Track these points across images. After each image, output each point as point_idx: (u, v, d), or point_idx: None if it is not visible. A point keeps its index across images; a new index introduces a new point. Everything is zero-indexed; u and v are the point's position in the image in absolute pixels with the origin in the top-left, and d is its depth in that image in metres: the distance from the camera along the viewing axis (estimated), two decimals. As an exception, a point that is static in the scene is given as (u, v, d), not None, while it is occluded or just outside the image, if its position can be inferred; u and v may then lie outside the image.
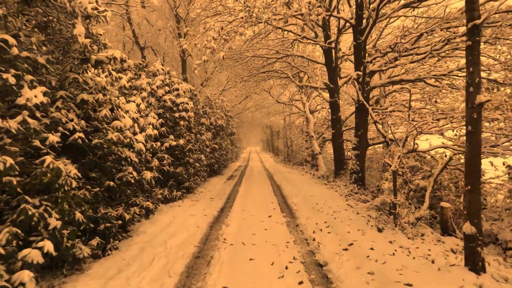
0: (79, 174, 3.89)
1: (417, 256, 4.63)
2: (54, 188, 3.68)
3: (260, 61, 14.45)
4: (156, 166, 7.18)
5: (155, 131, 7.20)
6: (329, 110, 18.05)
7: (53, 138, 3.62)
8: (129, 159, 5.72)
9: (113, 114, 5.58)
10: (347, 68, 17.36)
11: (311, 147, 18.23)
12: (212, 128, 15.69)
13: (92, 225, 4.44)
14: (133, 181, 5.49)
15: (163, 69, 10.18)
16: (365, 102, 8.58)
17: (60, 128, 4.16)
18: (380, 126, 8.51)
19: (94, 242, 4.34)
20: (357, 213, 7.33)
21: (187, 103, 9.14)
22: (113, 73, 5.52)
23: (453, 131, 7.52)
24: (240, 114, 29.92)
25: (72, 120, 4.40)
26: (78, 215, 3.89)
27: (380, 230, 6.01)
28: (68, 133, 4.24)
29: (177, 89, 9.11)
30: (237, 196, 9.84)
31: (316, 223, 6.50)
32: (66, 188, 3.70)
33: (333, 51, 12.16)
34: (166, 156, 8.29)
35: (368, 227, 6.24)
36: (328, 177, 13.53)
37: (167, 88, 9.02)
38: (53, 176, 3.54)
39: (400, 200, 6.06)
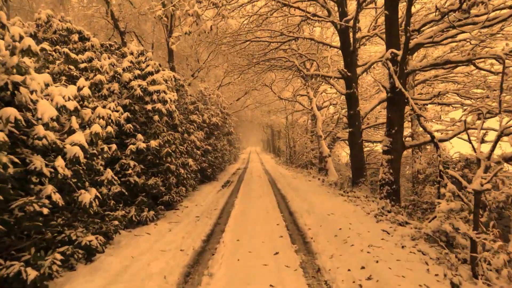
0: None
1: None
2: None
3: (261, 46, 12.16)
4: (108, 179, 4.90)
5: (110, 128, 4.92)
6: (341, 106, 15.81)
7: None
8: (49, 172, 3.48)
9: (15, 97, 3.33)
10: (364, 58, 15.11)
11: (318, 148, 15.97)
12: (205, 126, 13.39)
13: None
14: (46, 211, 3.22)
15: (137, 51, 7.91)
16: (403, 90, 6.30)
17: None
18: (424, 122, 6.25)
19: None
20: (402, 247, 5.06)
21: (165, 92, 6.86)
22: (12, 29, 3.25)
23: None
24: (239, 112, 27.70)
25: None
26: None
27: (456, 287, 3.75)
28: None
29: (151, 73, 6.83)
30: (232, 214, 7.56)
31: (349, 270, 4.22)
32: None
33: (351, 31, 9.89)
34: (132, 163, 6.01)
35: (432, 277, 3.97)
36: (342, 186, 11.25)
37: (137, 72, 6.75)
38: None
39: (486, 238, 3.78)
